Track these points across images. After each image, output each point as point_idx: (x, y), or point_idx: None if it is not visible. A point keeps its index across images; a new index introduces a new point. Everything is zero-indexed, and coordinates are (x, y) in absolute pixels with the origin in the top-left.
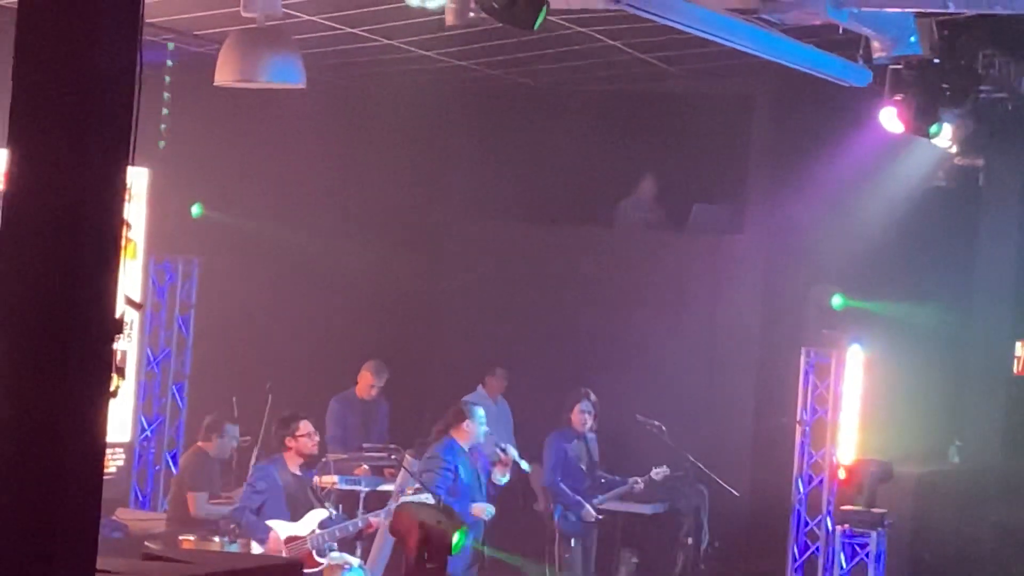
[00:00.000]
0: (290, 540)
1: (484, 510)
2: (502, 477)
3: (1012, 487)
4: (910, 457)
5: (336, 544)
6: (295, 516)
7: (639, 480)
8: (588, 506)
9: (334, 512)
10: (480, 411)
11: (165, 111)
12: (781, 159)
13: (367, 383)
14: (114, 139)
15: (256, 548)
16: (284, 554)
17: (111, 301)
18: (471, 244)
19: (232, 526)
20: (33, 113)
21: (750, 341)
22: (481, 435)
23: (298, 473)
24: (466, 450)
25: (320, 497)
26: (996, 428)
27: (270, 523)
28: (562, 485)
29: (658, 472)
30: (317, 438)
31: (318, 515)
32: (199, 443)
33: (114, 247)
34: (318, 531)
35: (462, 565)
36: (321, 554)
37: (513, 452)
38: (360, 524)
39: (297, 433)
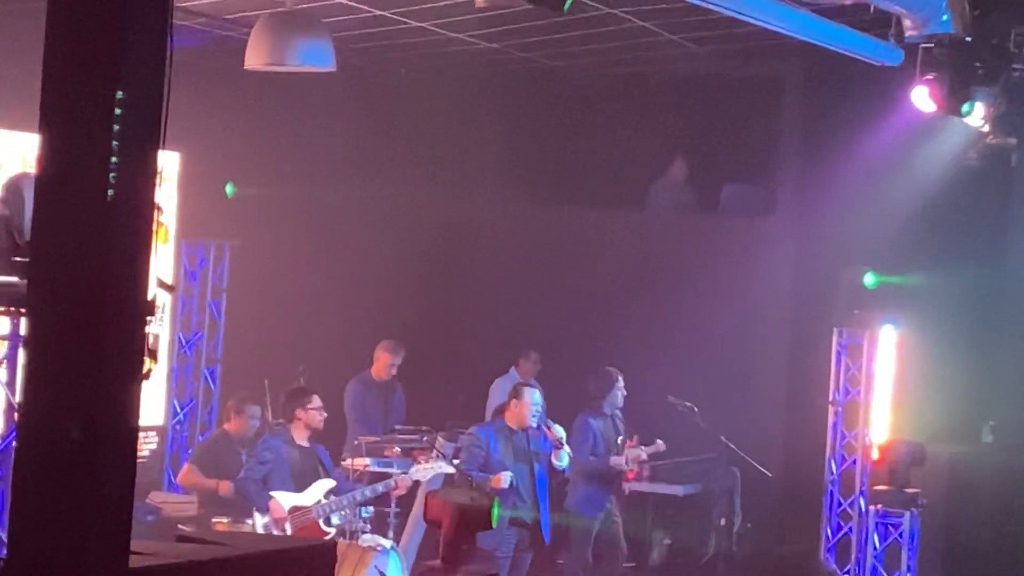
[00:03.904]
0: (295, 510)
1: (501, 479)
2: (558, 462)
3: None
4: (943, 437)
5: (369, 527)
6: (300, 487)
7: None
8: (615, 457)
9: (358, 485)
10: (532, 393)
11: None
12: (812, 139)
13: (385, 363)
14: (145, 123)
15: (258, 518)
16: (288, 524)
17: (143, 284)
18: (502, 227)
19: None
20: (64, 98)
21: (782, 322)
22: (530, 417)
23: (305, 445)
24: (513, 429)
25: (328, 468)
26: None
27: (273, 494)
28: (591, 458)
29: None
30: (325, 415)
31: (324, 485)
32: (224, 426)
33: (146, 231)
34: (324, 501)
35: (506, 546)
36: (328, 523)
37: (558, 429)
38: (369, 493)
39: (309, 405)
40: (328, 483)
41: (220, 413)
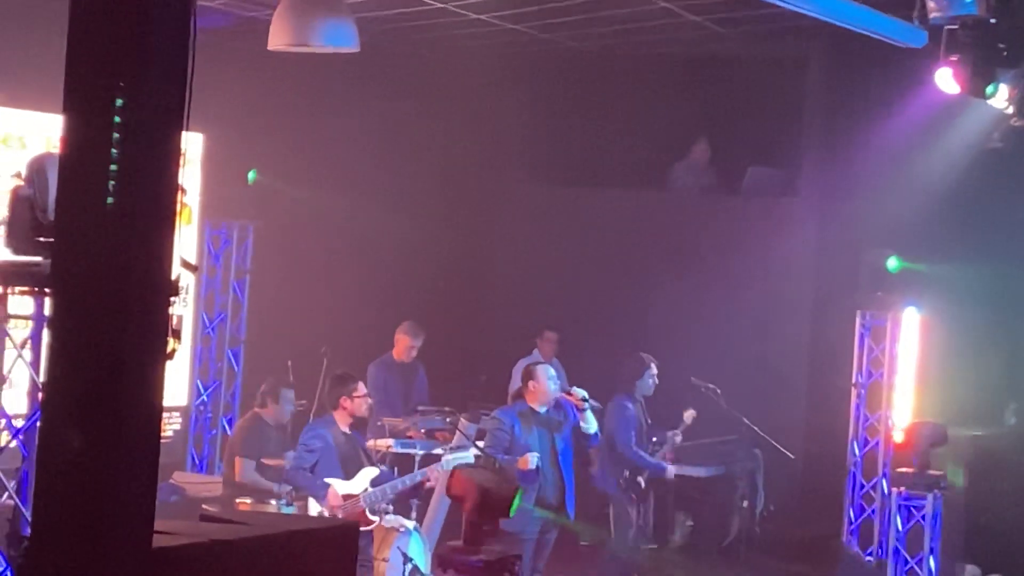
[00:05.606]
0: (346, 498)
1: (528, 460)
2: (586, 425)
3: None
4: (966, 419)
5: (392, 507)
6: (348, 475)
7: (678, 432)
8: (669, 466)
9: (384, 468)
10: (545, 368)
11: None
12: (835, 121)
13: (405, 345)
14: (168, 104)
15: (314, 506)
16: (340, 513)
17: (167, 264)
18: (524, 208)
19: (288, 489)
20: (87, 79)
21: (805, 304)
22: (551, 392)
23: (348, 432)
24: (536, 411)
25: (370, 455)
26: None
27: (328, 480)
28: (639, 450)
29: (688, 415)
30: (370, 401)
31: (369, 473)
32: (256, 409)
33: (169, 212)
34: (370, 489)
35: (531, 528)
36: (374, 512)
37: (579, 391)
38: (408, 482)
39: (355, 394)
40: (373, 471)
41: (244, 396)
